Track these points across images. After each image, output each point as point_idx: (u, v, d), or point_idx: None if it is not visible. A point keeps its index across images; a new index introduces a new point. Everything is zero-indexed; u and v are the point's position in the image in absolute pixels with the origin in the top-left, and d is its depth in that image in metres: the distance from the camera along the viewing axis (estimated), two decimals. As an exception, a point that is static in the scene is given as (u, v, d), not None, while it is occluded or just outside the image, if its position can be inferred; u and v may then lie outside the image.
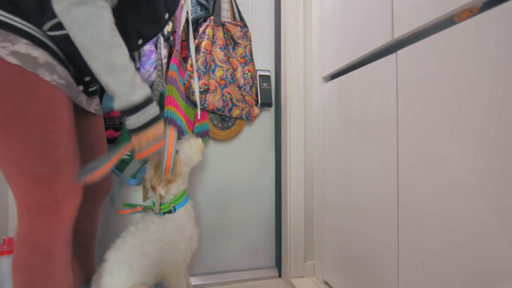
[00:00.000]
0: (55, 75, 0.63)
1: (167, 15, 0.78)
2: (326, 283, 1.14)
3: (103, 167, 0.67)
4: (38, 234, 0.62)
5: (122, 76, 0.60)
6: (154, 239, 0.80)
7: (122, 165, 1.11)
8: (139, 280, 0.79)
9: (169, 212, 0.83)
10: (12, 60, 0.58)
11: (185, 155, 0.85)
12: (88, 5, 0.56)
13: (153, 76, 1.09)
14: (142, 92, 0.63)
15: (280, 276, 1.30)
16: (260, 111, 1.32)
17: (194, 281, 1.19)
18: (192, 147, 0.87)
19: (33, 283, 0.62)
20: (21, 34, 0.59)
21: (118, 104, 0.62)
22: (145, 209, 0.87)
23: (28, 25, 0.60)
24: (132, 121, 0.64)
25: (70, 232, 0.68)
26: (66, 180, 0.65)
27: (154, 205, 0.83)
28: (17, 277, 0.63)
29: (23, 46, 0.59)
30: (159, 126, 0.68)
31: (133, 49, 0.77)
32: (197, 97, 0.71)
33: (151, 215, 0.84)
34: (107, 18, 0.59)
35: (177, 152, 0.81)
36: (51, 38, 0.63)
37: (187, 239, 0.84)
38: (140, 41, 0.76)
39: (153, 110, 0.66)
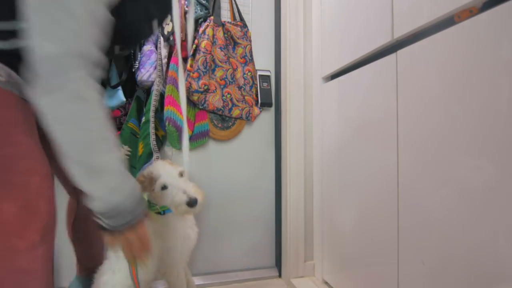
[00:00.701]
0: None
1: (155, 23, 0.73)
2: (326, 283, 1.14)
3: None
4: None
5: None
6: (153, 237, 0.80)
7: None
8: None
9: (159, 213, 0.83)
10: None
11: (170, 202, 0.75)
12: (89, 102, 0.49)
13: (153, 76, 1.09)
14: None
15: (280, 276, 1.30)
16: (260, 111, 1.32)
17: (194, 281, 1.19)
18: (178, 206, 0.75)
19: None
20: None
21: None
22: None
23: None
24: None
25: (46, 276, 0.56)
26: (14, 194, 0.52)
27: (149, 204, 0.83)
28: None
29: None
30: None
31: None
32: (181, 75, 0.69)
33: (151, 213, 0.84)
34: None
35: (165, 188, 0.76)
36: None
37: (181, 238, 0.84)
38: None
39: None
